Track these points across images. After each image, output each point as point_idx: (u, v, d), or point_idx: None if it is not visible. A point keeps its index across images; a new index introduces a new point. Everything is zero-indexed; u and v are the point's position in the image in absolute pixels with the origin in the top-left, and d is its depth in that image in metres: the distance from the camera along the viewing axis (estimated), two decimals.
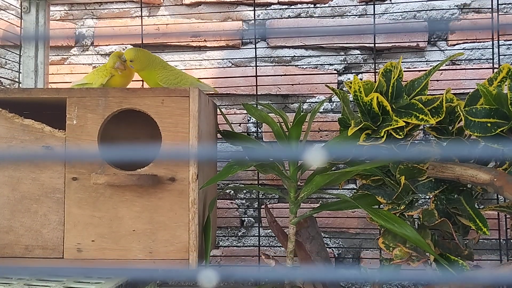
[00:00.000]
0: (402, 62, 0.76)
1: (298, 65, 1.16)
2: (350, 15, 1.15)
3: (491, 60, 1.06)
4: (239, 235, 1.15)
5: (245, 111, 1.14)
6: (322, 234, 1.08)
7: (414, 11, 1.12)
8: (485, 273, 0.69)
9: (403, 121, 0.72)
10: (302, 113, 0.83)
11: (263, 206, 1.09)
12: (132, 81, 0.97)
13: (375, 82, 0.78)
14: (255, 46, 1.13)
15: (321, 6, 1.15)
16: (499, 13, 1.05)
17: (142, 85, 1.09)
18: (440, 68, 0.99)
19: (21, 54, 1.11)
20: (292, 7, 1.16)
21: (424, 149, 0.75)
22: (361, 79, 1.03)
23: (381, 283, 0.77)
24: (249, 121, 1.16)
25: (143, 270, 0.76)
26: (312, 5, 1.16)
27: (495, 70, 0.78)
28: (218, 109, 0.98)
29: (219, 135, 0.96)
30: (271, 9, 1.16)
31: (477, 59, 1.11)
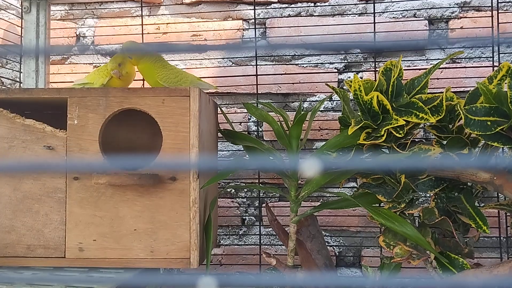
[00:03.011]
0: (402, 60, 0.76)
1: (298, 64, 1.16)
2: (350, 14, 1.15)
3: (491, 59, 1.06)
4: (240, 233, 1.16)
5: (245, 110, 1.14)
6: (323, 232, 1.08)
7: (414, 9, 1.12)
8: (484, 273, 0.70)
9: (403, 119, 0.72)
10: (302, 112, 0.83)
11: (264, 205, 1.09)
12: (133, 80, 0.98)
13: (375, 80, 0.78)
14: (256, 45, 1.13)
15: (321, 4, 1.15)
16: (499, 11, 1.05)
17: (143, 85, 1.09)
18: (440, 67, 0.99)
19: (22, 53, 1.11)
20: (292, 5, 1.16)
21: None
22: (361, 78, 1.03)
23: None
24: (250, 120, 1.16)
25: (144, 272, 0.76)
26: (312, 4, 1.16)
27: (495, 68, 0.78)
28: (218, 108, 0.98)
29: (219, 134, 0.97)
30: (271, 8, 1.17)
31: (477, 58, 1.11)
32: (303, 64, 1.16)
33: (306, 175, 0.82)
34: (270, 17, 1.17)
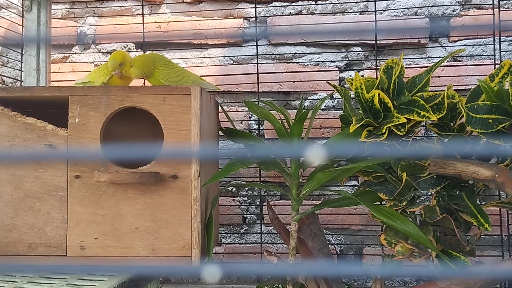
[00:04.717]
0: (403, 58, 0.76)
1: (299, 62, 1.16)
2: (351, 12, 1.15)
3: (493, 56, 1.06)
4: (241, 232, 1.16)
5: (246, 109, 1.14)
6: (324, 231, 1.08)
7: (415, 7, 1.12)
8: (487, 268, 0.69)
9: (405, 117, 0.72)
10: (303, 110, 0.83)
11: (265, 203, 1.09)
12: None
13: (377, 79, 0.78)
14: (256, 43, 1.13)
15: (322, 3, 1.15)
16: (500, 9, 1.05)
17: (144, 83, 1.09)
18: (442, 65, 0.99)
19: (23, 52, 1.11)
20: (293, 4, 1.16)
21: (425, 146, 0.75)
22: (362, 76, 1.03)
23: (383, 279, 0.77)
24: (251, 119, 1.16)
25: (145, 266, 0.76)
26: (313, 2, 1.15)
27: (497, 66, 0.78)
28: (219, 107, 0.98)
29: (220, 133, 0.97)
30: (272, 6, 1.16)
31: (479, 55, 1.11)
32: (304, 62, 1.15)
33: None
34: (271, 15, 1.16)
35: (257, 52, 1.13)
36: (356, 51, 1.14)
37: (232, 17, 1.18)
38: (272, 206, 0.91)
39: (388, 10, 1.13)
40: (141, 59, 0.91)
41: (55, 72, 1.19)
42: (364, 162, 0.74)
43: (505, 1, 1.09)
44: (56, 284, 0.68)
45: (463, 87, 1.09)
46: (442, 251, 0.74)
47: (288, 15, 1.16)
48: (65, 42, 1.22)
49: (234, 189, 1.16)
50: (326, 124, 1.13)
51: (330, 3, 1.15)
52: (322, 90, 1.14)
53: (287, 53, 1.16)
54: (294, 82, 1.15)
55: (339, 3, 1.14)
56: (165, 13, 1.20)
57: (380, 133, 0.73)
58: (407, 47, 1.13)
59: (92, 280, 0.70)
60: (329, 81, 0.88)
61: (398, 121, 0.72)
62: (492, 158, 0.80)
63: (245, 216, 1.16)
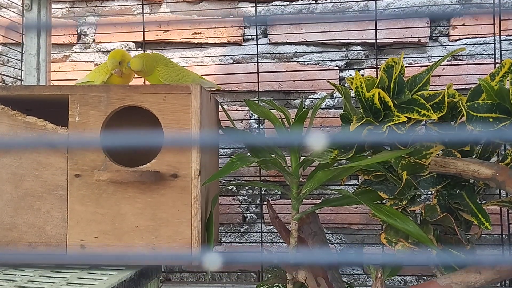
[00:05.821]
0: (403, 57, 0.76)
1: (299, 61, 1.16)
2: (351, 11, 1.14)
3: (493, 55, 1.06)
4: (241, 231, 1.15)
5: (247, 108, 1.14)
6: (325, 230, 1.08)
7: (415, 6, 1.12)
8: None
9: (405, 116, 0.72)
10: (304, 109, 0.83)
11: (265, 203, 1.09)
12: (134, 77, 0.98)
13: (377, 78, 0.78)
14: (257, 42, 1.13)
15: (323, 2, 1.15)
16: (501, 8, 1.05)
17: (144, 81, 1.09)
18: (442, 64, 0.99)
19: (23, 51, 1.11)
20: (294, 3, 1.16)
21: (426, 135, 0.75)
22: (362, 75, 1.03)
23: (384, 278, 0.77)
24: (251, 118, 1.16)
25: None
26: (314, 1, 1.15)
27: (497, 65, 0.78)
28: (220, 106, 0.98)
29: (221, 132, 0.96)
30: (272, 6, 1.16)
31: (479, 54, 1.11)
32: (304, 61, 1.15)
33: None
34: (272, 15, 1.16)
35: (257, 51, 1.13)
36: (357, 50, 1.14)
37: (232, 17, 1.18)
38: (272, 205, 0.91)
39: (388, 9, 1.13)
40: (144, 54, 0.95)
41: (55, 72, 1.19)
42: (364, 160, 0.74)
43: (505, 0, 1.09)
44: (57, 283, 0.68)
45: (463, 86, 1.09)
46: (442, 250, 0.74)
47: (288, 14, 1.16)
48: (64, 42, 1.22)
49: (234, 188, 1.16)
50: (327, 123, 1.13)
51: (330, 2, 1.15)
52: (322, 89, 1.14)
53: (287, 52, 1.16)
54: (294, 81, 1.15)
55: (339, 2, 1.14)
56: (165, 12, 1.20)
57: (380, 132, 0.73)
58: (408, 46, 1.13)
59: (92, 279, 0.70)
60: (330, 80, 0.88)
61: (399, 120, 0.72)
62: (492, 157, 0.80)
63: (245, 215, 1.16)
